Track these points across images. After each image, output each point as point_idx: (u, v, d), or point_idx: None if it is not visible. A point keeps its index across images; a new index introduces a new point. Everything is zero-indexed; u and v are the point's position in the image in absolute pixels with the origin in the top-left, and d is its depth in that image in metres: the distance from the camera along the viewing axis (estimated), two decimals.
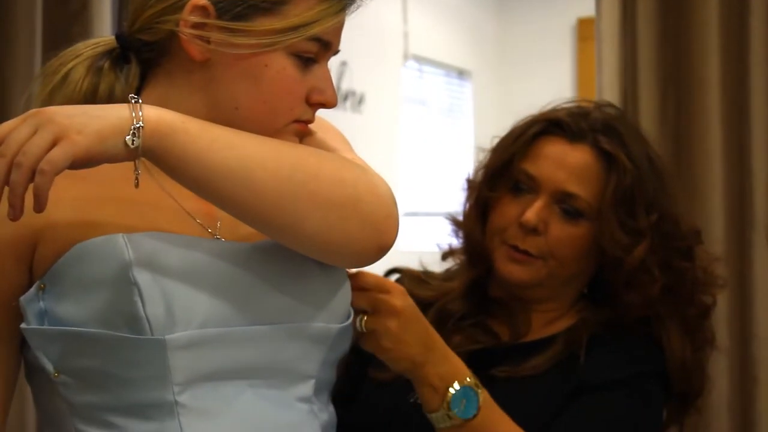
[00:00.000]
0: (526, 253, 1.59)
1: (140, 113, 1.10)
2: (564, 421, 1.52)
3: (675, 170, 2.16)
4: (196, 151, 1.12)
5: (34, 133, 1.05)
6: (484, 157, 1.70)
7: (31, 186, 1.05)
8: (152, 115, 1.11)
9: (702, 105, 2.20)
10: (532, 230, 1.57)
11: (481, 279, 1.67)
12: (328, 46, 1.25)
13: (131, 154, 1.10)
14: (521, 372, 1.59)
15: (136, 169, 1.11)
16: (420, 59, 5.28)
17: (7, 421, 1.28)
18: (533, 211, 1.57)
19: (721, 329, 2.18)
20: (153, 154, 1.11)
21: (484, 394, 1.42)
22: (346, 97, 4.64)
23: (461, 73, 5.72)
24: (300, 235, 1.19)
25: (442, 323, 1.61)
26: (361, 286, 1.35)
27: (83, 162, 1.07)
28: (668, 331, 1.59)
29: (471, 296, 1.67)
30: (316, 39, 1.22)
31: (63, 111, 1.08)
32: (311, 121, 1.28)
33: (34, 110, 1.08)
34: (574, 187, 1.58)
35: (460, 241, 1.73)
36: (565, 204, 1.59)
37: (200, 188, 1.15)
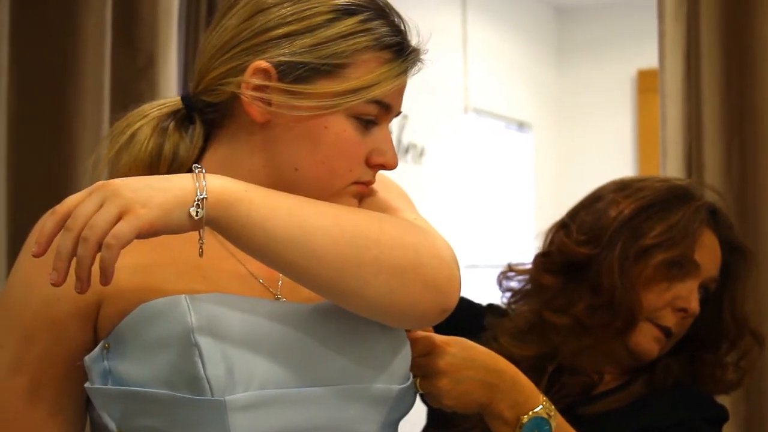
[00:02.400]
0: (672, 336, 1.65)
1: (204, 183, 1.10)
2: None
3: (739, 226, 2.16)
4: (259, 220, 1.13)
5: (100, 206, 1.07)
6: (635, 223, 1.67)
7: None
8: (216, 185, 1.11)
9: None
10: (687, 317, 1.64)
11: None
12: (388, 108, 1.25)
13: (195, 225, 1.10)
14: (599, 408, 1.63)
15: (200, 239, 1.12)
16: (480, 111, 5.29)
17: None
18: (697, 300, 1.64)
19: None
20: (216, 223, 1.12)
21: (557, 420, 1.41)
22: (407, 150, 4.65)
23: (521, 125, 5.71)
24: (362, 300, 1.19)
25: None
26: None
27: (148, 234, 1.08)
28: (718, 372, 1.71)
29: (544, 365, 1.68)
30: (377, 102, 1.23)
31: (128, 184, 1.09)
32: (371, 182, 1.29)
33: (99, 183, 1.10)
34: (716, 272, 1.67)
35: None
36: (705, 289, 1.67)
37: (263, 256, 1.15)
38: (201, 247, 1.13)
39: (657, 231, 1.63)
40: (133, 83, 2.39)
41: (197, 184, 1.10)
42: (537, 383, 1.44)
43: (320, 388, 1.21)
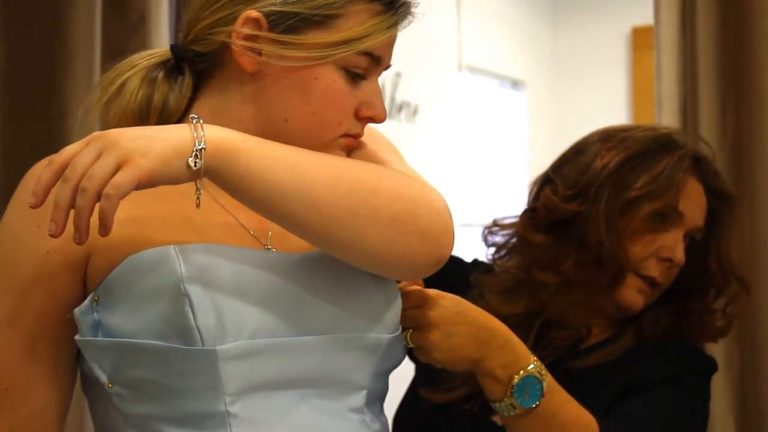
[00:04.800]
0: (658, 287, 1.66)
1: (202, 134, 1.11)
2: (618, 418, 1.54)
3: (734, 181, 2.16)
4: (258, 171, 1.13)
5: (98, 157, 1.06)
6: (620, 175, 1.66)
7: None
8: (214, 135, 1.12)
9: (763, 116, 2.19)
10: (673, 267, 1.65)
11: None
12: (378, 61, 1.26)
13: (194, 175, 1.11)
14: (589, 362, 1.65)
15: (197, 190, 1.13)
16: (474, 69, 5.27)
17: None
18: (682, 250, 1.65)
19: None
20: (215, 174, 1.12)
21: (548, 379, 1.42)
22: (400, 108, 4.64)
23: (515, 83, 5.70)
24: (360, 251, 1.20)
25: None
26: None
27: (147, 184, 1.08)
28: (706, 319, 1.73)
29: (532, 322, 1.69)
30: (367, 54, 1.24)
31: (126, 134, 1.09)
32: (360, 135, 1.29)
33: (96, 134, 1.09)
34: (701, 221, 1.68)
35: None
36: (691, 237, 1.68)
37: (262, 207, 1.16)
38: (198, 198, 1.13)
39: (641, 182, 1.63)
40: (124, 41, 2.37)
41: (195, 135, 1.10)
42: (525, 339, 1.46)
43: (312, 337, 1.22)
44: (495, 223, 1.79)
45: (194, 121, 1.12)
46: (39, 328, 1.22)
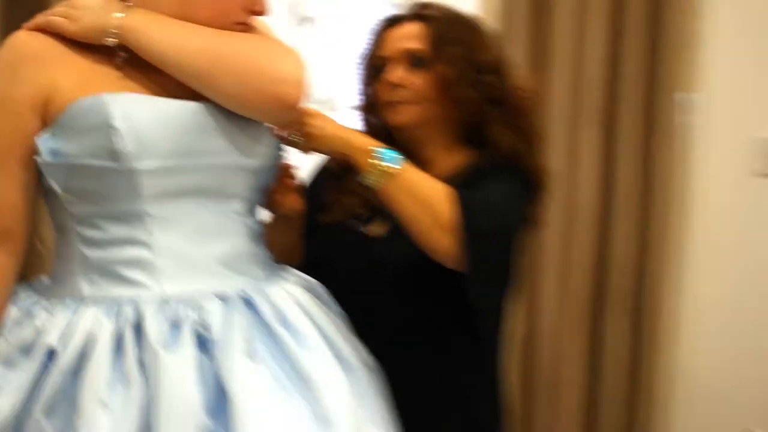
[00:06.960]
0: (399, 102, 1.97)
1: (117, 23, 1.51)
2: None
3: (535, 48, 2.83)
4: (148, 44, 1.50)
5: (66, 11, 1.50)
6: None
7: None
8: (125, 19, 1.50)
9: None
10: (397, 86, 1.96)
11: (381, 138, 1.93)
12: None
13: (111, 45, 1.51)
14: (443, 177, 1.88)
15: (118, 57, 1.52)
16: None
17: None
18: (390, 72, 1.98)
19: None
20: (126, 45, 1.51)
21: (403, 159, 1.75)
22: (303, 20, 5.00)
23: (392, 2, 6.03)
24: (221, 96, 1.53)
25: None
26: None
27: (81, 39, 1.50)
28: (497, 132, 1.97)
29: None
30: None
31: (80, 2, 1.52)
32: (249, 24, 1.61)
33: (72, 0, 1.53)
34: (410, 44, 1.98)
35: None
36: (411, 59, 1.97)
37: (157, 65, 1.52)
38: (120, 61, 1.53)
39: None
40: None
41: (113, 22, 1.51)
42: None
43: (207, 161, 1.53)
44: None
45: (126, 5, 1.49)
46: (10, 150, 1.51)
